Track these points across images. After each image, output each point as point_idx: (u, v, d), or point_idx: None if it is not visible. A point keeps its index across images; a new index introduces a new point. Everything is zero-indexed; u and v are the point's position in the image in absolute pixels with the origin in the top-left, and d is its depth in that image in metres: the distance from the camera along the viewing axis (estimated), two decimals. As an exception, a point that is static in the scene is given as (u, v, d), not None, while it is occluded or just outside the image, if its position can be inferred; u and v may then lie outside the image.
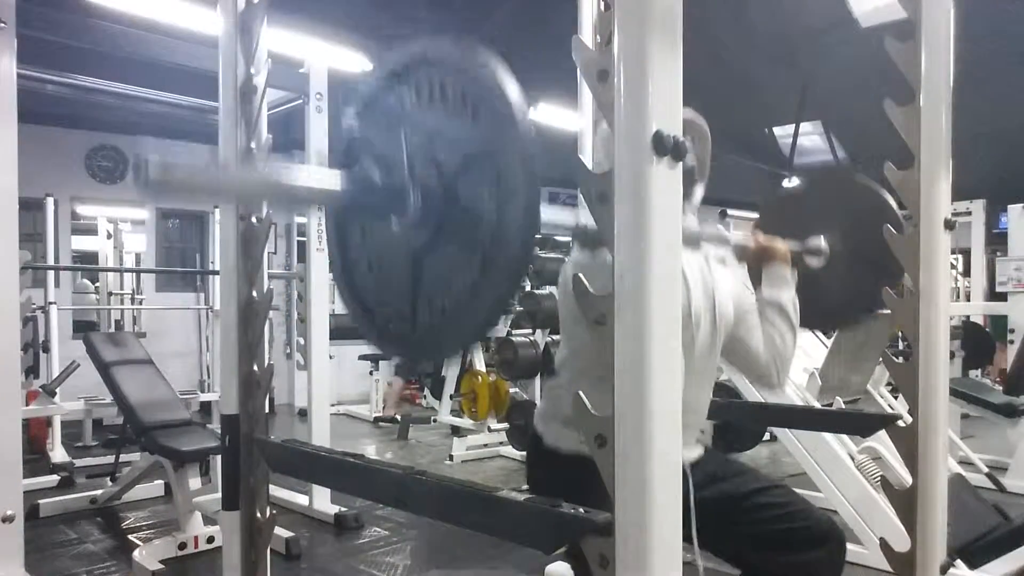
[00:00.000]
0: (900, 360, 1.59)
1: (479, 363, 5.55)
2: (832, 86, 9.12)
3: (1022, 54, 5.01)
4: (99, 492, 3.86)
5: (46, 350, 5.11)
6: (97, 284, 7.08)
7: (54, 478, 4.30)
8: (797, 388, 3.36)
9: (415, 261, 1.06)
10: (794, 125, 10.16)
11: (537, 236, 0.96)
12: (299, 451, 1.60)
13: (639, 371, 0.91)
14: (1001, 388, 4.96)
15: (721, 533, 1.52)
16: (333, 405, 6.12)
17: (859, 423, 2.32)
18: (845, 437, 3.17)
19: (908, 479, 1.56)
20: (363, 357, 7.25)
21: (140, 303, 7.07)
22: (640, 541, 0.91)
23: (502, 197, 0.95)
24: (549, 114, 5.93)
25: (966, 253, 7.03)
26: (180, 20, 3.49)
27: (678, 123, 0.94)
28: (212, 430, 3.51)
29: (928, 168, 1.53)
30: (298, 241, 7.74)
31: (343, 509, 3.66)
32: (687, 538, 1.23)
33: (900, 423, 1.60)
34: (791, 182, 2.15)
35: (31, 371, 5.06)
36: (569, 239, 1.62)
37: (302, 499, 3.81)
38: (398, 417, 6.41)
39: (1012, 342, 4.87)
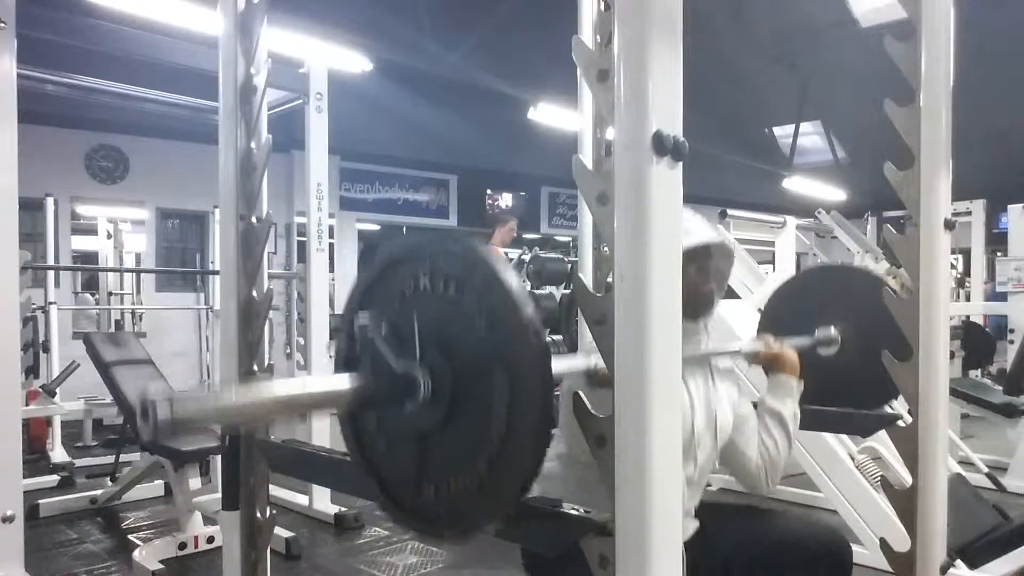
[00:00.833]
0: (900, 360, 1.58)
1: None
2: (832, 86, 9.13)
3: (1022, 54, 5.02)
4: (99, 492, 3.86)
5: (46, 350, 5.11)
6: (97, 295, 7.06)
7: (54, 478, 4.30)
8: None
9: (427, 444, 1.07)
10: (794, 125, 10.17)
11: (548, 440, 0.96)
12: (299, 451, 1.60)
13: (639, 371, 0.91)
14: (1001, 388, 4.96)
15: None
16: (333, 405, 6.10)
17: (859, 423, 2.32)
18: (845, 437, 3.17)
19: (908, 479, 1.56)
20: (363, 357, 7.24)
21: (140, 303, 7.07)
22: (640, 541, 0.91)
23: (514, 408, 0.96)
24: (549, 114, 5.93)
25: (966, 253, 7.04)
26: (180, 20, 3.48)
27: (678, 123, 0.94)
28: (212, 430, 3.51)
29: (928, 168, 1.53)
30: (298, 241, 7.74)
31: (343, 509, 3.66)
32: None
33: (900, 423, 1.60)
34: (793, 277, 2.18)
35: (31, 371, 5.06)
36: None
37: (302, 499, 3.81)
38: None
39: (1012, 342, 4.87)
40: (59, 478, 4.31)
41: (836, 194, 9.13)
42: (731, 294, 4.17)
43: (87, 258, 7.14)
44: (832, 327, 1.95)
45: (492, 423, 0.97)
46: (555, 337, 4.79)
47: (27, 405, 4.31)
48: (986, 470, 3.99)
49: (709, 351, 1.65)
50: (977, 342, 5.74)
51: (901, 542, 1.56)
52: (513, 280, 0.98)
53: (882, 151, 1.63)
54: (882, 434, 2.67)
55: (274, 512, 1.65)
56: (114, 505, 3.88)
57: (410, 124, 7.03)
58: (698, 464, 1.55)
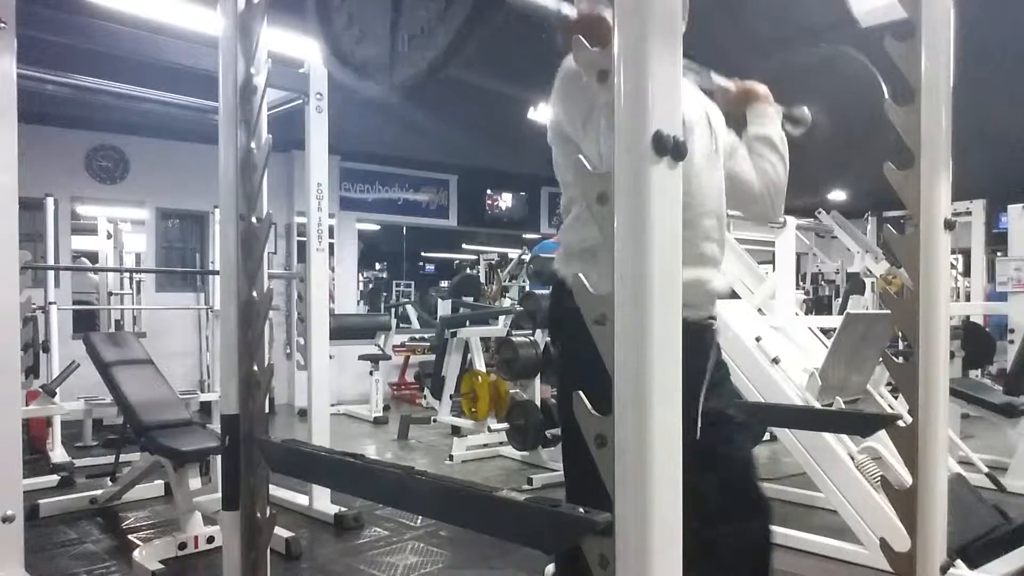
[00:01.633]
0: (900, 360, 1.59)
1: (479, 363, 5.55)
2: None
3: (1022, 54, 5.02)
4: (99, 492, 3.86)
5: (46, 350, 5.11)
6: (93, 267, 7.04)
7: (54, 478, 4.30)
8: (797, 388, 3.36)
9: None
10: (794, 125, 10.15)
11: None
12: (299, 451, 1.61)
13: (639, 371, 0.91)
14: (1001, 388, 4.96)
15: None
16: (333, 405, 6.12)
17: (859, 423, 2.32)
18: (845, 437, 3.17)
19: (908, 479, 1.56)
20: (363, 357, 7.26)
21: (140, 303, 7.07)
22: (640, 541, 0.91)
23: None
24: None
25: (966, 253, 7.04)
26: (180, 20, 3.48)
27: (678, 123, 0.94)
28: (212, 430, 3.51)
29: (928, 168, 1.53)
30: (298, 241, 7.74)
31: (343, 509, 3.66)
32: None
33: (900, 423, 1.60)
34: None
35: (31, 371, 5.06)
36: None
37: (302, 499, 3.81)
38: None
39: (1012, 342, 4.87)
40: (59, 478, 4.31)
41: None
42: (731, 294, 4.16)
43: (87, 258, 7.13)
44: (805, 107, 1.91)
45: None
46: (555, 337, 4.78)
47: (27, 405, 4.31)
48: (986, 470, 3.98)
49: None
50: (977, 342, 5.74)
51: (901, 542, 1.56)
52: None
53: (882, 151, 1.63)
54: (882, 434, 2.67)
55: (274, 512, 1.65)
56: (114, 505, 3.88)
57: (410, 124, 7.02)
58: (696, 152, 1.52)
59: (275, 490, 3.71)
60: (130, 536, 3.46)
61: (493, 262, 9.81)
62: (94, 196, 7.03)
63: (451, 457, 5.12)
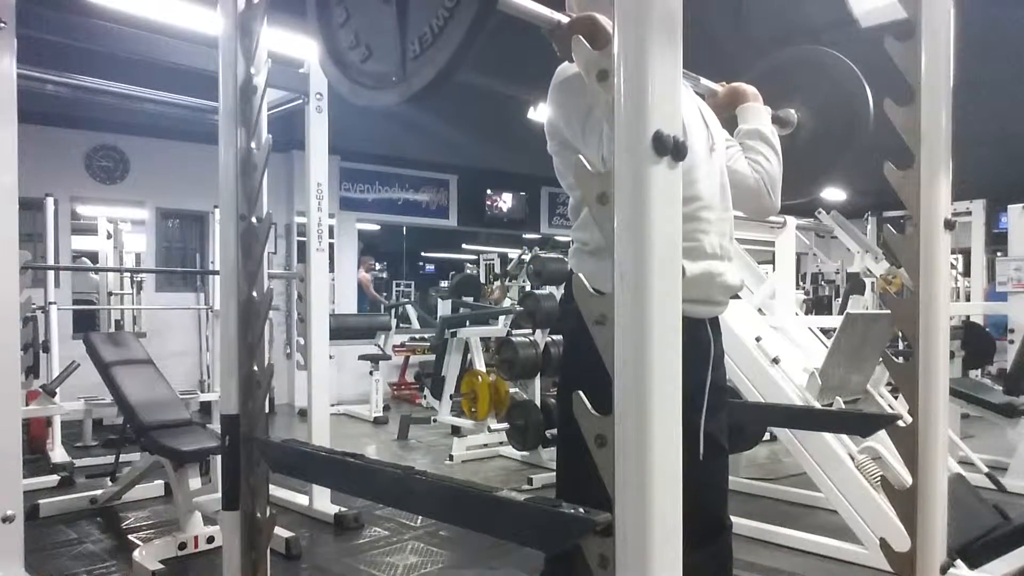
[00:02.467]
0: (900, 360, 1.59)
1: (479, 363, 5.55)
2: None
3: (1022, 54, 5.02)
4: (99, 492, 3.86)
5: (46, 350, 5.11)
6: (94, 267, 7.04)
7: (54, 478, 4.30)
8: (797, 388, 3.36)
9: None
10: (794, 125, 10.15)
11: None
12: (299, 451, 1.61)
13: (639, 371, 0.91)
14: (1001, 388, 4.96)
15: None
16: (333, 405, 6.12)
17: (859, 423, 2.32)
18: (845, 437, 3.17)
19: (908, 479, 1.56)
20: (363, 357, 7.26)
21: (140, 303, 7.07)
22: (640, 541, 0.91)
23: None
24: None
25: (966, 253, 7.04)
26: (180, 20, 3.48)
27: (678, 123, 0.94)
28: (212, 430, 3.51)
29: (928, 168, 1.53)
30: (298, 241, 7.74)
31: (343, 509, 3.66)
32: None
33: (900, 423, 1.60)
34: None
35: (31, 371, 5.06)
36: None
37: (302, 499, 3.81)
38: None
39: (1012, 342, 4.87)
40: (59, 478, 4.31)
41: (836, 194, 9.13)
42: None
43: (87, 258, 7.13)
44: (792, 109, 1.97)
45: None
46: (555, 337, 4.79)
47: (27, 405, 4.31)
48: (986, 470, 3.99)
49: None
50: (977, 342, 5.74)
51: (901, 542, 1.56)
52: None
53: (882, 151, 1.63)
54: (882, 434, 2.67)
55: (274, 512, 1.65)
56: (114, 505, 3.88)
57: (410, 124, 7.02)
58: (694, 144, 1.52)
59: (275, 490, 3.71)
60: (130, 536, 3.45)
61: (494, 265, 9.80)
62: (94, 196, 7.03)
63: (451, 457, 5.12)
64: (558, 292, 5.22)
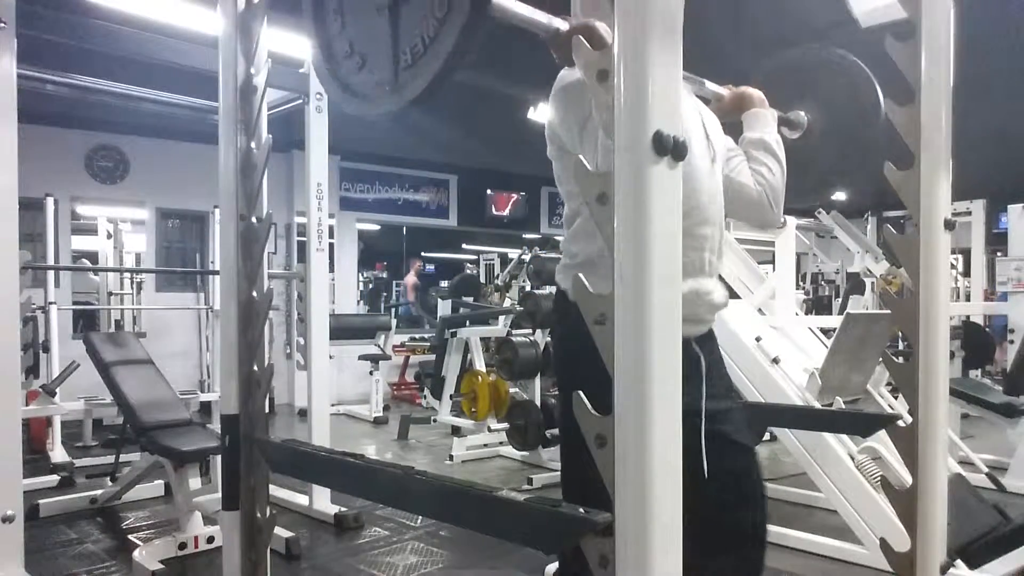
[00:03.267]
0: (900, 360, 1.59)
1: (479, 363, 5.55)
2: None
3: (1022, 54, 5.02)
4: (99, 492, 3.86)
5: (46, 350, 5.11)
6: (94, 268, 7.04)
7: (54, 478, 4.30)
8: (797, 388, 3.36)
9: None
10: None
11: None
12: (299, 451, 1.61)
13: (639, 371, 0.91)
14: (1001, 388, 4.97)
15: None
16: (333, 405, 6.12)
17: (859, 423, 2.32)
18: (845, 437, 3.17)
19: (908, 479, 1.56)
20: (363, 357, 7.26)
21: (140, 303, 7.07)
22: (640, 541, 0.91)
23: None
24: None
25: (966, 253, 7.04)
26: (180, 20, 3.48)
27: (678, 123, 0.94)
28: (212, 430, 3.51)
29: (928, 168, 1.53)
30: (298, 241, 7.74)
31: (343, 509, 3.66)
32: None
33: (900, 423, 1.60)
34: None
35: (31, 371, 5.07)
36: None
37: (302, 499, 3.81)
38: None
39: (1012, 342, 4.87)
40: (59, 478, 4.30)
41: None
42: (731, 294, 4.16)
43: (87, 258, 7.13)
44: (802, 111, 1.94)
45: None
46: (555, 337, 4.78)
47: (27, 405, 4.31)
48: (986, 470, 3.99)
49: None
50: (977, 342, 5.74)
51: (901, 542, 1.56)
52: None
53: (882, 151, 1.63)
54: (882, 434, 2.67)
55: (274, 512, 1.65)
56: (114, 505, 3.88)
57: (410, 124, 7.02)
58: (695, 159, 1.51)
59: (275, 490, 3.71)
60: (130, 536, 3.45)
61: (494, 266, 9.80)
62: (94, 196, 7.02)
63: (451, 457, 5.12)
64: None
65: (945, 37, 1.54)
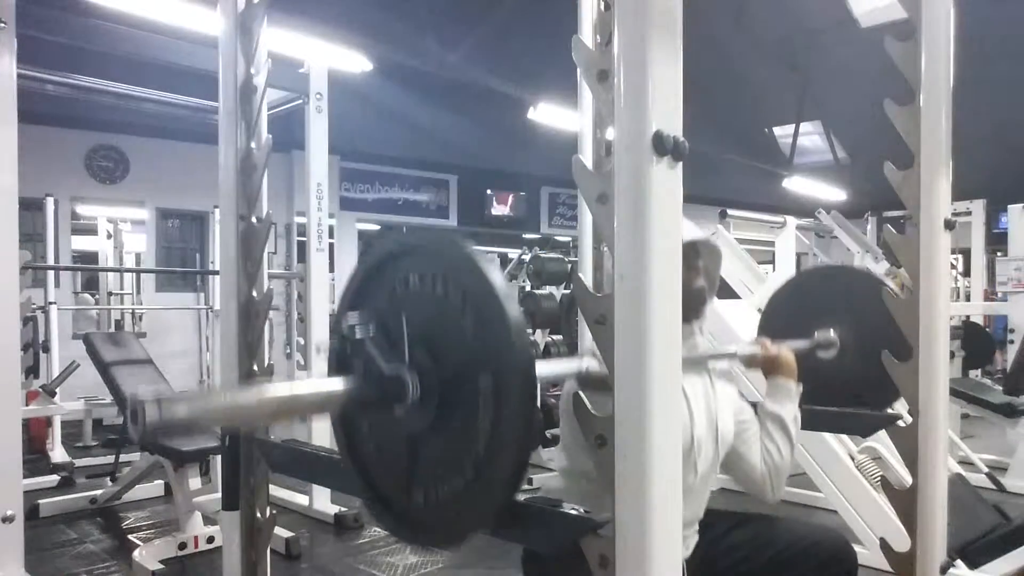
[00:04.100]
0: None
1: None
2: (832, 86, 9.13)
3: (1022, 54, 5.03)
4: (99, 492, 3.86)
5: (46, 350, 5.11)
6: (97, 296, 7.05)
7: (54, 478, 4.30)
8: (797, 388, 3.36)
9: (417, 448, 1.05)
10: (794, 125, 10.18)
11: (532, 443, 0.96)
12: (299, 451, 1.60)
13: (639, 371, 0.91)
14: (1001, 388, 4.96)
15: None
16: (333, 405, 6.10)
17: (859, 423, 2.31)
18: (845, 437, 3.17)
19: (908, 479, 1.56)
20: (363, 357, 7.25)
21: (140, 303, 7.07)
22: (640, 541, 0.91)
23: (498, 412, 0.95)
24: (549, 114, 5.93)
25: (966, 253, 7.04)
26: (180, 20, 3.48)
27: (678, 123, 0.94)
28: (212, 430, 3.50)
29: (928, 168, 1.53)
30: (298, 241, 7.74)
31: (343, 509, 3.66)
32: None
33: (900, 423, 1.60)
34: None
35: (31, 371, 5.06)
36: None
37: (302, 499, 3.81)
38: None
39: (1012, 342, 4.87)
40: (59, 478, 4.30)
41: (836, 194, 9.14)
42: (731, 294, 4.17)
43: (87, 258, 7.13)
44: (831, 330, 1.94)
45: (478, 426, 0.96)
46: (555, 337, 4.79)
47: (27, 405, 4.31)
48: (986, 470, 3.99)
49: (705, 354, 1.64)
50: (977, 342, 5.74)
51: (901, 542, 1.56)
52: (497, 279, 0.96)
53: (882, 151, 1.63)
54: (882, 434, 2.67)
55: (274, 512, 1.65)
56: (114, 505, 3.88)
57: (410, 124, 7.03)
58: (699, 473, 1.51)
59: (275, 490, 3.70)
60: (130, 536, 3.45)
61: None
62: (94, 196, 7.03)
63: (451, 457, 5.12)
64: (558, 292, 5.22)
65: (945, 37, 1.54)
